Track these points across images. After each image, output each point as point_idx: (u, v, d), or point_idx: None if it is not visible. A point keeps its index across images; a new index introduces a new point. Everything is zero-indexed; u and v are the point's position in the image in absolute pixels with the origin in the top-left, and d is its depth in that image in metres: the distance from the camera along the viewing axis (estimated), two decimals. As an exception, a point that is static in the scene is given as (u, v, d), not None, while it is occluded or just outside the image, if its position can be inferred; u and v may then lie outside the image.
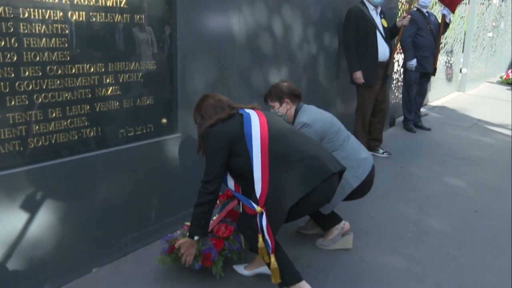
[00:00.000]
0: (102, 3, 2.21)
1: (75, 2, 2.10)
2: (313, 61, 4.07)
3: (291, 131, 2.25)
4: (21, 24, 1.92)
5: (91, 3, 2.17)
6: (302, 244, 2.75)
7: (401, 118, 6.04)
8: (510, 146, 5.20)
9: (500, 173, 4.26)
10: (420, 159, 4.63)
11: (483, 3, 9.17)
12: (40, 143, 2.08)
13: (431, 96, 7.76)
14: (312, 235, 2.84)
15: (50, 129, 2.11)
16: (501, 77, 11.10)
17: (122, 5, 2.31)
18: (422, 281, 2.43)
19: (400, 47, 5.42)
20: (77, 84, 2.19)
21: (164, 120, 2.68)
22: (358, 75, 4.25)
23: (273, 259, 2.06)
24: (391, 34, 4.46)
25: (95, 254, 2.39)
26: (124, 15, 2.33)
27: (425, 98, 6.31)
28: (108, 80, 2.32)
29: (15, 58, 1.93)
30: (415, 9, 5.39)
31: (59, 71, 2.10)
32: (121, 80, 2.38)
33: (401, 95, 6.06)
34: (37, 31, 1.98)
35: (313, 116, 2.60)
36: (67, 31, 2.09)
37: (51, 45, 2.04)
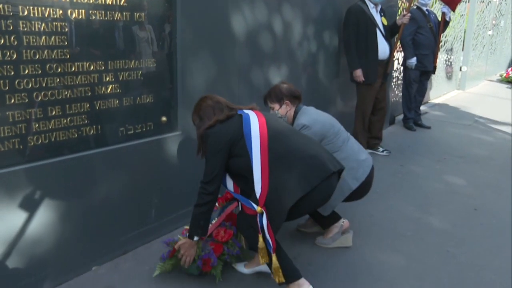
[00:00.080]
0: (101, 1, 2.21)
1: (74, 0, 2.09)
2: (313, 59, 4.06)
3: (290, 130, 2.25)
4: (20, 22, 1.92)
5: (91, 1, 2.16)
6: (301, 242, 2.76)
7: (401, 116, 6.04)
8: (510, 144, 5.20)
9: (500, 171, 4.26)
10: (420, 157, 4.63)
11: (483, 1, 9.16)
12: (40, 141, 2.08)
13: (431, 94, 7.76)
14: (312, 233, 2.84)
15: (50, 127, 2.11)
16: (501, 75, 11.11)
17: (121, 3, 2.30)
18: (422, 279, 2.43)
19: (400, 45, 5.42)
20: (77, 82, 2.18)
21: (164, 118, 2.67)
22: (358, 73, 4.25)
23: (274, 258, 2.07)
24: (391, 32, 4.45)
25: (94, 252, 2.39)
26: (124, 13, 2.32)
27: (425, 96, 6.30)
28: (108, 78, 2.32)
29: (14, 56, 1.93)
30: (415, 7, 5.39)
31: (59, 69, 2.10)
32: (121, 78, 2.38)
33: (401, 93, 6.06)
34: (37, 29, 1.98)
35: (313, 117, 2.60)
36: (66, 29, 2.09)
37: (50, 43, 2.04)
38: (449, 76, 8.59)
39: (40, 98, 2.05)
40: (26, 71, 1.98)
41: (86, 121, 2.26)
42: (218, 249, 2.31)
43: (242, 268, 2.41)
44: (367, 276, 2.44)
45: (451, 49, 8.34)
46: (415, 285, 2.38)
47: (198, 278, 2.32)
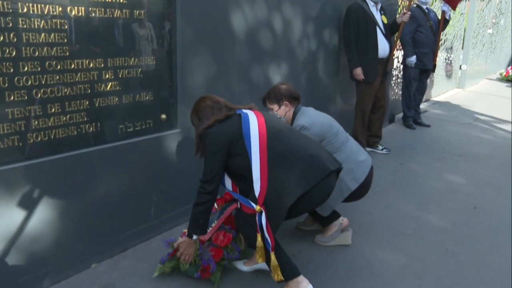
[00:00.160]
0: (101, -2, 2.21)
1: (74, -3, 2.09)
2: (313, 57, 4.06)
3: (289, 130, 2.25)
4: (20, 19, 1.92)
5: (90, -2, 2.16)
6: (301, 240, 2.76)
7: (400, 115, 6.04)
8: (510, 142, 5.20)
9: (499, 170, 4.26)
10: (420, 155, 4.63)
11: (483, 0, 9.14)
12: (39, 139, 2.08)
13: (431, 93, 7.75)
14: (311, 231, 2.85)
15: (49, 124, 2.11)
16: (500, 74, 11.10)
17: (121, 1, 2.30)
18: (421, 277, 2.43)
19: (400, 44, 5.42)
20: (76, 80, 2.18)
21: (164, 116, 2.67)
22: (358, 72, 4.25)
23: (273, 257, 2.07)
24: (391, 30, 4.45)
25: (94, 249, 2.39)
26: (124, 10, 2.32)
27: (425, 95, 6.30)
28: (107, 76, 2.31)
29: (14, 53, 1.92)
30: (415, 5, 5.38)
31: (58, 67, 2.09)
32: (120, 76, 2.38)
33: (400, 92, 6.06)
34: (36, 26, 1.98)
35: (312, 118, 2.60)
36: (66, 26, 2.09)
37: (50, 40, 2.04)
38: (449, 75, 8.59)
39: (39, 95, 2.04)
40: (26, 68, 1.97)
41: (85, 119, 2.25)
42: (218, 254, 2.30)
43: (242, 266, 2.41)
44: (366, 274, 2.45)
45: (451, 48, 8.33)
46: (414, 283, 2.38)
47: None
